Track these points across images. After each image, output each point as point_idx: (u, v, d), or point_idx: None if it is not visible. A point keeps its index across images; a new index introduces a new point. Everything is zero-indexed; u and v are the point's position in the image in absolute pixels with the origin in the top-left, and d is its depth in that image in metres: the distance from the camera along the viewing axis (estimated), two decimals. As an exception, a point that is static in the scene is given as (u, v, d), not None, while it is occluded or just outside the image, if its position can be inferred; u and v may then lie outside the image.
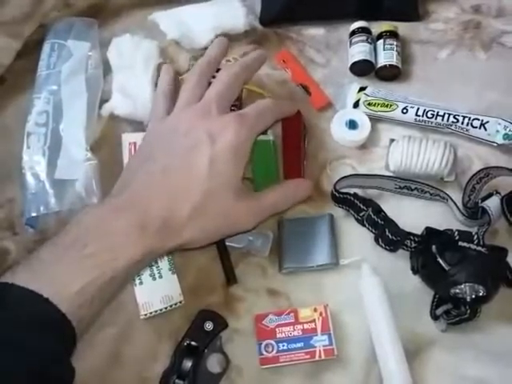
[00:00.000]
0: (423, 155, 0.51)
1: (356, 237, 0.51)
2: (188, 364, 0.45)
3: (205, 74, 0.51)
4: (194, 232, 0.43)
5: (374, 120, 0.57)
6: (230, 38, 0.61)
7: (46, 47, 0.57)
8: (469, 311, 0.45)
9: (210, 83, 0.50)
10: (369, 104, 0.57)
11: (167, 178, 0.44)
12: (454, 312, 0.46)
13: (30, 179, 0.51)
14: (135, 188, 0.43)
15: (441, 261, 0.46)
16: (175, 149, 0.45)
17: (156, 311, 0.48)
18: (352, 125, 0.56)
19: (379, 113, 0.57)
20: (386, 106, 0.57)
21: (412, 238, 0.48)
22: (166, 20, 0.60)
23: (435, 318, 0.47)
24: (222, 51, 0.53)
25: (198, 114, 0.47)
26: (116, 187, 0.46)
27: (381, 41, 0.60)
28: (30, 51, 0.59)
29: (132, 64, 0.57)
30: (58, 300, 0.35)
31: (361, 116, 0.56)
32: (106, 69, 0.58)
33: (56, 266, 0.37)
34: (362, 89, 0.59)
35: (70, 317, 0.36)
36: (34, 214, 0.50)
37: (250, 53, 0.56)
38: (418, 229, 0.48)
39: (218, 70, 0.52)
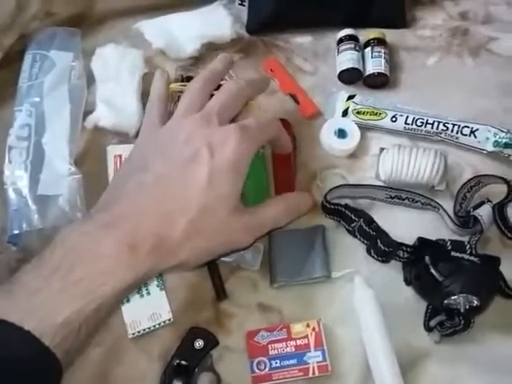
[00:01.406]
0: (413, 164, 0.51)
1: (348, 248, 0.51)
2: (178, 384, 0.44)
3: (207, 85, 0.48)
4: (189, 252, 0.40)
5: (364, 128, 0.56)
6: (217, 47, 0.60)
7: (28, 58, 0.56)
8: (463, 322, 0.45)
9: (211, 96, 0.48)
10: (358, 112, 0.56)
11: (161, 191, 0.41)
12: (448, 323, 0.46)
13: (11, 195, 0.49)
14: (125, 201, 0.41)
15: (434, 272, 0.45)
16: (172, 158, 0.42)
17: (144, 330, 0.47)
18: (341, 134, 0.55)
19: (368, 121, 0.56)
20: (375, 114, 0.56)
21: (404, 248, 0.48)
22: (151, 29, 0.59)
23: (429, 329, 0.47)
24: (225, 67, 0.51)
25: (198, 122, 0.44)
26: (103, 200, 0.43)
27: (368, 48, 0.60)
28: (11, 62, 0.58)
29: (116, 74, 0.56)
30: (40, 332, 0.33)
31: (350, 125, 0.56)
32: (90, 79, 0.57)
33: (39, 294, 0.35)
34: (350, 97, 0.58)
35: (55, 349, 0.33)
36: (16, 232, 0.48)
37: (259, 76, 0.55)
38: (410, 238, 0.48)
39: (217, 88, 0.50)
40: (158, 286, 0.48)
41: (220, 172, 0.41)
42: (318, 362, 0.44)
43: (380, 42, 0.60)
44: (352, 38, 0.60)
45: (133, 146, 0.47)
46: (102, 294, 0.36)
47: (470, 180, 0.51)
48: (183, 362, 0.45)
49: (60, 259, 0.37)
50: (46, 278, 0.36)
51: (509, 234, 0.49)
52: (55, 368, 0.34)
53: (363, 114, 0.56)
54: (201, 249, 0.41)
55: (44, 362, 0.34)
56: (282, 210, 0.47)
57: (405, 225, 0.51)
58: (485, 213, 0.48)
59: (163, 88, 0.50)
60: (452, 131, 0.54)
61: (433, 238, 0.48)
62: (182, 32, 0.59)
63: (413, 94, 0.59)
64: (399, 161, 0.51)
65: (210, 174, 0.41)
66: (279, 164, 0.53)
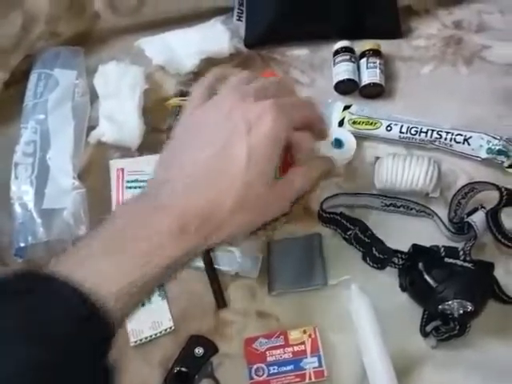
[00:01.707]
0: (408, 172, 0.52)
1: (344, 255, 0.52)
2: (179, 391, 0.45)
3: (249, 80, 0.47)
4: (235, 227, 0.42)
5: (360, 138, 0.57)
6: (216, 62, 0.62)
7: (33, 77, 0.58)
8: (458, 327, 0.45)
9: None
10: (353, 122, 0.58)
11: (207, 169, 0.42)
12: (444, 328, 0.46)
13: (18, 209, 0.51)
14: (174, 181, 0.41)
15: (428, 278, 0.46)
16: (215, 133, 0.43)
17: (146, 338, 0.48)
18: (338, 143, 0.56)
19: (364, 131, 0.57)
20: (371, 124, 0.57)
21: (399, 255, 0.49)
22: (152, 46, 0.61)
23: (425, 334, 0.47)
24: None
25: (236, 97, 0.44)
26: (152, 183, 0.44)
27: (364, 59, 0.61)
28: (18, 81, 0.60)
29: (118, 91, 0.58)
30: (97, 297, 0.34)
31: (346, 135, 0.57)
32: (93, 96, 0.59)
33: (103, 258, 0.37)
34: (346, 107, 0.59)
35: (111, 313, 0.35)
36: (22, 245, 0.50)
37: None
38: (406, 246, 0.49)
39: None
40: (159, 295, 0.50)
41: (259, 149, 0.42)
42: (314, 368, 0.45)
43: (375, 52, 0.62)
44: (347, 50, 0.62)
45: (177, 126, 0.47)
46: (153, 268, 0.37)
47: (463, 187, 0.52)
48: (184, 369, 0.46)
49: (117, 233, 0.38)
50: (104, 250, 0.37)
51: (502, 240, 0.49)
52: (109, 331, 0.35)
53: (359, 123, 0.58)
54: (245, 223, 0.43)
55: (100, 322, 0.34)
56: (309, 175, 0.47)
57: (400, 232, 0.52)
58: (478, 219, 0.49)
59: (212, 79, 0.49)
60: (446, 139, 0.55)
61: (428, 244, 0.48)
62: (182, 48, 0.61)
63: (408, 103, 0.60)
64: (393, 169, 0.52)
65: (249, 152, 0.41)
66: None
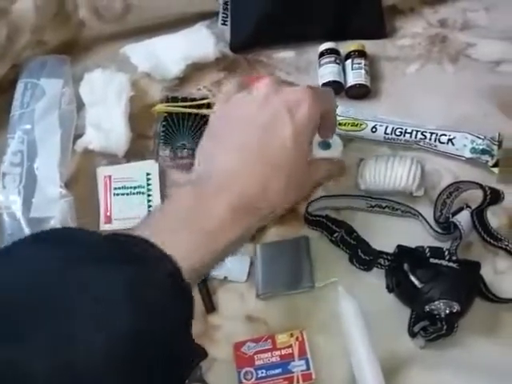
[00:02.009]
0: (390, 172, 0.52)
1: (331, 258, 0.52)
2: (168, 396, 0.45)
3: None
4: (285, 203, 0.45)
5: (345, 139, 0.57)
6: (201, 67, 0.62)
7: (20, 87, 0.58)
8: (446, 327, 0.46)
9: None
10: (339, 124, 0.58)
11: (253, 155, 0.44)
12: (431, 328, 0.46)
13: (6, 219, 0.52)
14: (222, 168, 0.43)
15: (413, 278, 0.46)
16: (255, 121, 0.45)
17: (136, 344, 0.48)
18: (324, 145, 0.56)
19: (349, 132, 0.57)
20: (356, 125, 0.57)
21: (385, 256, 0.49)
22: (137, 52, 0.62)
23: (413, 335, 0.48)
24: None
25: (270, 88, 0.46)
26: (199, 171, 0.45)
27: (349, 60, 0.61)
28: (5, 91, 0.60)
29: (104, 98, 0.58)
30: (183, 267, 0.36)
31: (333, 136, 0.57)
32: (80, 104, 0.59)
33: (180, 234, 0.39)
34: (332, 109, 0.59)
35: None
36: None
37: None
38: (393, 246, 0.49)
39: None
40: (148, 301, 0.50)
41: (301, 130, 0.44)
42: (302, 371, 0.46)
43: (360, 53, 0.62)
44: (333, 52, 0.62)
45: (211, 117, 0.49)
46: (213, 250, 0.40)
47: (448, 186, 0.52)
48: (173, 375, 0.46)
49: (181, 218, 0.40)
50: (171, 230, 0.39)
51: (488, 239, 0.50)
52: (192, 303, 0.37)
53: (344, 125, 0.58)
54: (292, 199, 0.46)
55: (186, 294, 0.36)
56: (329, 166, 0.52)
57: (387, 233, 0.52)
58: (464, 218, 0.49)
59: (243, 82, 0.51)
60: (430, 139, 0.55)
61: (414, 245, 0.49)
62: (167, 54, 0.61)
63: (395, 103, 0.60)
64: (376, 170, 0.52)
65: (294, 134, 0.44)
66: None
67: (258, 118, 0.45)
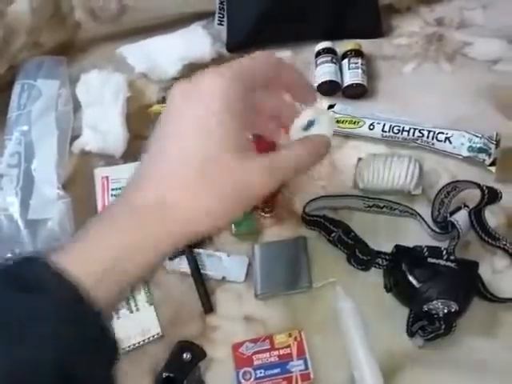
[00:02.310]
0: (388, 171, 0.52)
1: (329, 257, 0.52)
2: (168, 397, 0.45)
3: None
4: (200, 214, 0.35)
5: (343, 137, 0.58)
6: (198, 67, 0.62)
7: (17, 88, 0.58)
8: (444, 326, 0.46)
9: None
10: (337, 121, 0.58)
11: (155, 161, 0.36)
12: (430, 328, 0.46)
13: (3, 220, 0.52)
14: (154, 177, 0.36)
15: (411, 278, 0.46)
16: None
17: (134, 344, 0.48)
18: (309, 125, 0.42)
19: (347, 130, 0.57)
20: (354, 122, 0.57)
21: (383, 256, 0.49)
22: (134, 53, 0.62)
23: (411, 334, 0.48)
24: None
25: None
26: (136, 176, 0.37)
27: (346, 60, 0.61)
28: (1, 92, 0.60)
29: (101, 99, 0.58)
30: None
31: (320, 112, 0.42)
32: (76, 105, 0.59)
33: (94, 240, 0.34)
34: (330, 106, 0.60)
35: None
36: (9, 255, 0.50)
37: None
38: (391, 246, 0.49)
39: None
40: (147, 301, 0.50)
41: (208, 114, 0.36)
42: (300, 371, 0.46)
43: (357, 53, 0.62)
44: (329, 51, 0.62)
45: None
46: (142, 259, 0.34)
47: (446, 185, 0.52)
48: (172, 375, 0.46)
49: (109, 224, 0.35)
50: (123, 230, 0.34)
51: (486, 238, 0.50)
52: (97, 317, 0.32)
53: (342, 122, 0.58)
54: (212, 209, 0.36)
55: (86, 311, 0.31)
56: (301, 151, 0.40)
57: (385, 233, 0.52)
58: (461, 218, 0.49)
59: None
60: (427, 137, 0.55)
61: (413, 244, 0.49)
62: (164, 55, 0.61)
63: (392, 102, 0.60)
64: (375, 169, 0.53)
65: (197, 119, 0.36)
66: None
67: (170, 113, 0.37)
